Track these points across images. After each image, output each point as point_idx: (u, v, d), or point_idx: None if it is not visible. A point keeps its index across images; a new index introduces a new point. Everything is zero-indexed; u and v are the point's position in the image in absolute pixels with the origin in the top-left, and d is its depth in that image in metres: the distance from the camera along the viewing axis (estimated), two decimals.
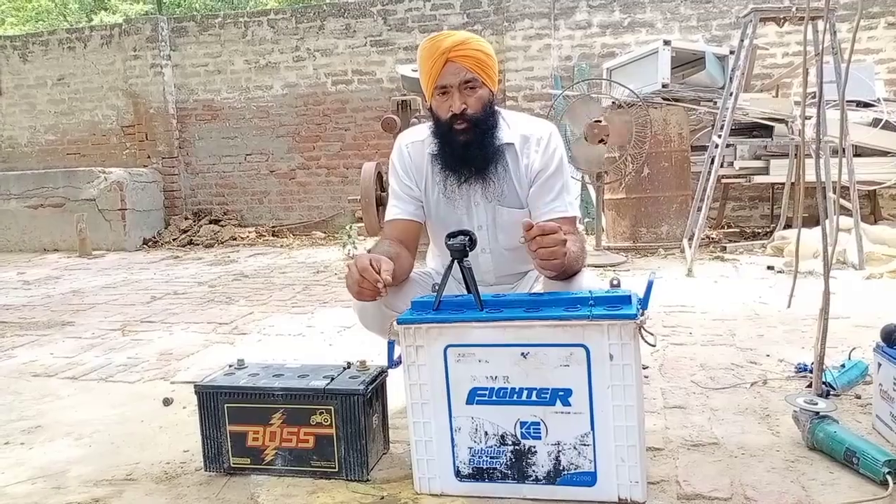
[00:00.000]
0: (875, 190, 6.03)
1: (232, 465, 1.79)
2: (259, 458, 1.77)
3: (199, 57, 8.50)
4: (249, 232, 8.19)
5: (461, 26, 7.65)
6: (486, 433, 1.59)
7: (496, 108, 1.95)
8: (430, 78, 1.87)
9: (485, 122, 1.89)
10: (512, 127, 1.96)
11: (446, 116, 1.87)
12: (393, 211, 2.02)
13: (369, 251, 1.81)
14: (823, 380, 2.11)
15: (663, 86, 5.86)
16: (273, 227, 8.40)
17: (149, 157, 8.60)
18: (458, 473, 1.62)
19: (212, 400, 1.78)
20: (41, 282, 5.55)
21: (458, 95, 1.85)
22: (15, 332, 3.67)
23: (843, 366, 2.26)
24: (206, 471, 1.81)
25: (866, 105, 5.85)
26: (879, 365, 1.85)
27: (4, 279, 5.79)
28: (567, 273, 1.74)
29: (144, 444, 2.06)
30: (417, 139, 2.02)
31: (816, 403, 1.79)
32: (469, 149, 1.89)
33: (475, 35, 1.91)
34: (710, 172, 5.10)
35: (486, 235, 1.99)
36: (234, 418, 1.77)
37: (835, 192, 4.42)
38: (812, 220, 4.95)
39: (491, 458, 1.59)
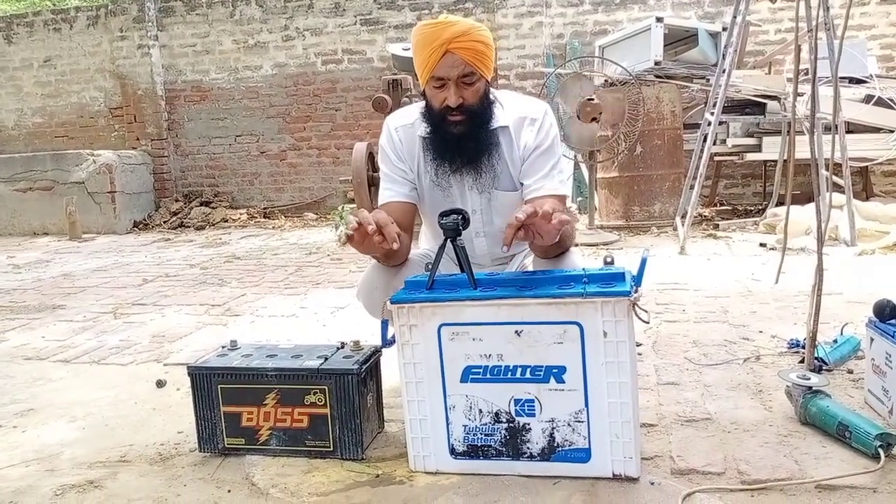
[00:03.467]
0: (867, 166, 6.04)
1: (226, 446, 1.79)
2: (253, 438, 1.77)
3: (186, 37, 8.40)
4: (241, 214, 8.15)
5: (452, 4, 7.59)
6: (480, 411, 1.59)
7: (491, 94, 1.91)
8: (426, 66, 1.80)
9: (480, 115, 1.86)
10: (506, 108, 1.94)
11: (440, 106, 1.83)
12: (386, 194, 1.98)
13: None
14: (816, 355, 2.12)
15: (656, 63, 5.83)
16: (264, 208, 8.37)
17: (138, 138, 8.52)
18: (452, 451, 1.62)
19: (205, 381, 1.77)
20: (31, 265, 5.51)
21: (455, 89, 1.80)
22: (6, 316, 3.65)
23: (835, 341, 2.27)
24: (200, 451, 1.81)
25: (859, 81, 5.84)
26: (871, 340, 1.86)
27: None
28: (559, 248, 1.73)
29: (138, 426, 2.06)
30: (406, 122, 1.98)
31: (809, 378, 1.80)
32: (462, 140, 1.86)
33: (475, 23, 1.84)
34: (702, 150, 5.10)
35: (480, 219, 1.98)
36: (227, 399, 1.76)
37: (827, 169, 4.43)
38: (805, 198, 4.95)
39: (485, 435, 1.59)
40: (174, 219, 8.02)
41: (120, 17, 8.36)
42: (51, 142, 8.86)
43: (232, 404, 1.76)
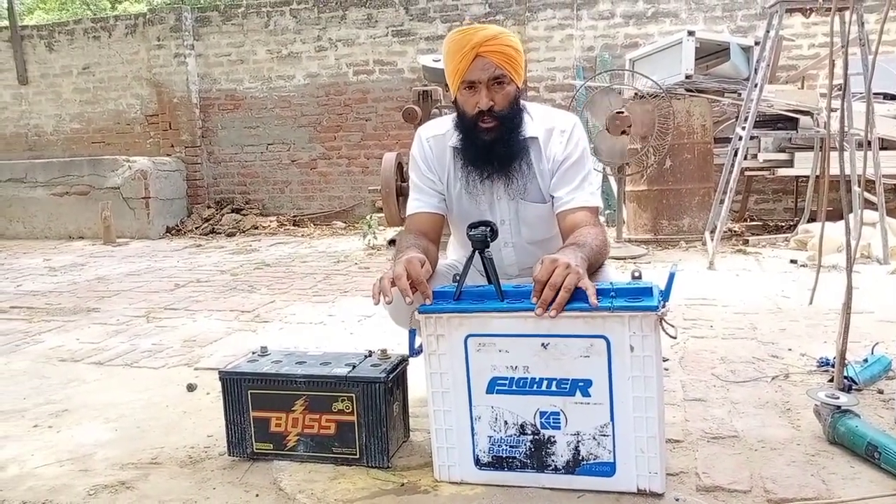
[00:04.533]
0: None
1: (255, 451, 1.82)
2: (281, 443, 1.79)
3: (222, 46, 8.55)
4: (271, 221, 8.24)
5: (483, 16, 7.63)
6: (505, 422, 1.60)
7: (521, 102, 1.93)
8: (457, 71, 1.83)
9: (511, 120, 1.87)
10: (536, 120, 1.95)
11: (472, 112, 1.85)
12: (415, 204, 2.00)
13: (394, 241, 1.81)
14: (845, 374, 2.10)
15: (687, 77, 5.81)
16: (294, 216, 8.45)
17: (172, 146, 8.67)
18: (477, 462, 1.63)
19: (236, 386, 1.80)
20: (67, 268, 5.63)
21: (486, 92, 1.82)
22: (42, 318, 3.74)
23: (865, 360, 2.25)
24: (229, 455, 1.84)
25: (893, 98, 5.76)
26: None
27: (31, 266, 5.89)
28: (594, 267, 1.73)
29: (169, 429, 2.10)
30: (438, 132, 2.00)
31: (838, 398, 1.79)
32: (494, 146, 1.87)
33: (504, 29, 1.88)
34: (733, 165, 5.05)
35: (508, 230, 1.99)
36: (257, 404, 1.79)
37: (860, 186, 4.37)
38: (837, 214, 4.89)
39: (510, 447, 1.60)
40: (206, 225, 8.14)
41: (157, 27, 8.53)
42: (88, 147, 9.04)
43: (261, 409, 1.79)
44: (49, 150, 9.18)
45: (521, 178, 1.91)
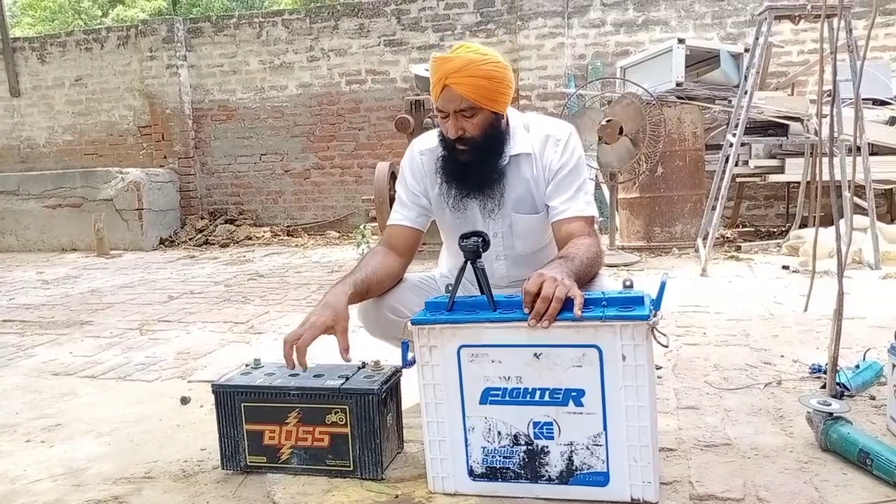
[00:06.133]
0: (891, 189, 5.99)
1: (248, 464, 1.81)
2: (275, 456, 1.79)
3: (214, 57, 8.57)
4: (264, 231, 8.24)
5: (474, 25, 7.67)
6: (499, 433, 1.60)
7: (504, 124, 1.92)
8: (433, 96, 1.88)
9: (484, 146, 1.88)
10: (532, 131, 1.96)
11: (447, 136, 1.89)
12: (395, 216, 2.04)
13: (356, 268, 1.94)
14: (837, 381, 2.11)
15: (677, 84, 5.84)
16: (288, 226, 8.45)
17: (165, 157, 8.67)
18: (471, 473, 1.63)
19: (229, 399, 1.80)
20: (60, 281, 5.62)
21: (454, 122, 1.84)
22: (35, 332, 3.72)
23: (857, 367, 2.25)
24: (222, 469, 1.84)
25: (882, 103, 5.80)
26: (894, 366, 1.84)
27: (24, 278, 5.87)
28: (588, 278, 1.74)
29: (162, 443, 2.09)
30: (431, 145, 2.02)
31: (830, 404, 1.79)
32: (466, 169, 1.90)
33: (479, 57, 1.81)
34: (724, 171, 5.08)
35: (501, 243, 2.00)
36: (250, 417, 1.79)
37: (850, 191, 4.40)
38: (828, 220, 4.92)
39: (504, 457, 1.61)
40: (199, 236, 8.13)
41: (150, 38, 8.54)
42: (80, 159, 9.04)
43: (255, 422, 1.79)
44: (41, 163, 9.17)
45: (498, 199, 1.94)
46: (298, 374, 1.84)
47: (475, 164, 1.89)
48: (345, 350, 1.72)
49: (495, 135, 1.90)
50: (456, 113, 1.83)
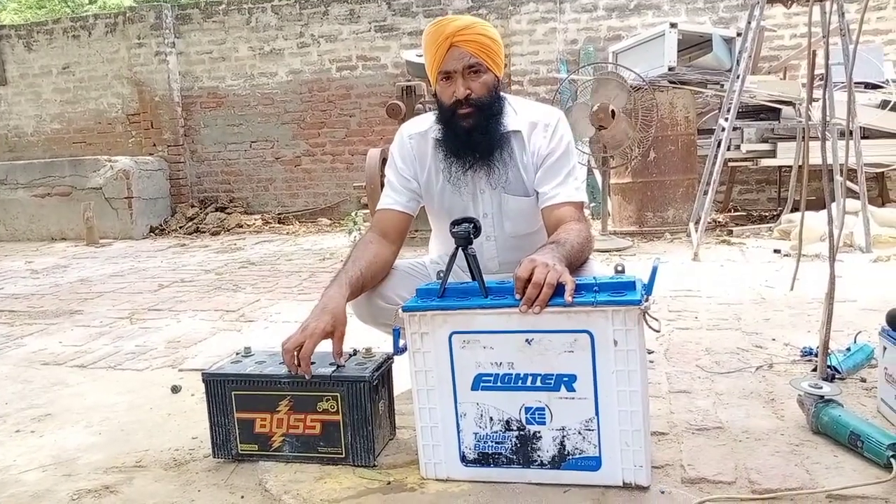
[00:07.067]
0: (883, 172, 5.99)
1: (240, 452, 1.80)
2: (266, 444, 1.78)
3: (203, 44, 8.48)
4: (255, 219, 8.20)
5: (466, 10, 7.61)
6: (491, 419, 1.60)
7: (502, 94, 1.94)
8: (434, 63, 1.86)
9: (489, 107, 1.88)
10: (519, 113, 1.95)
11: (450, 102, 1.86)
12: (385, 200, 2.02)
13: (349, 254, 1.91)
14: (829, 364, 2.11)
15: (670, 69, 5.83)
16: (279, 214, 8.42)
17: (154, 145, 8.60)
18: (463, 458, 1.63)
19: (219, 387, 1.79)
20: (49, 270, 5.58)
21: (462, 80, 1.84)
22: (24, 321, 3.70)
23: (848, 349, 2.26)
24: (214, 457, 1.83)
25: (874, 87, 5.80)
26: (885, 348, 1.85)
27: (13, 268, 5.83)
28: (579, 262, 1.74)
29: (153, 431, 2.08)
30: (420, 129, 2.01)
31: (821, 387, 1.80)
32: (473, 134, 1.88)
33: (480, 20, 1.89)
34: (716, 156, 5.08)
35: (491, 223, 1.99)
36: (241, 405, 1.78)
37: (842, 175, 4.40)
38: (820, 204, 4.92)
39: (496, 443, 1.60)
40: (190, 224, 8.08)
41: (138, 25, 8.45)
42: (69, 148, 8.96)
43: (245, 411, 1.78)
44: (29, 151, 9.08)
45: (503, 167, 1.92)
46: None
47: (482, 127, 1.87)
48: (338, 355, 1.73)
49: (498, 98, 1.91)
50: (464, 71, 1.83)
